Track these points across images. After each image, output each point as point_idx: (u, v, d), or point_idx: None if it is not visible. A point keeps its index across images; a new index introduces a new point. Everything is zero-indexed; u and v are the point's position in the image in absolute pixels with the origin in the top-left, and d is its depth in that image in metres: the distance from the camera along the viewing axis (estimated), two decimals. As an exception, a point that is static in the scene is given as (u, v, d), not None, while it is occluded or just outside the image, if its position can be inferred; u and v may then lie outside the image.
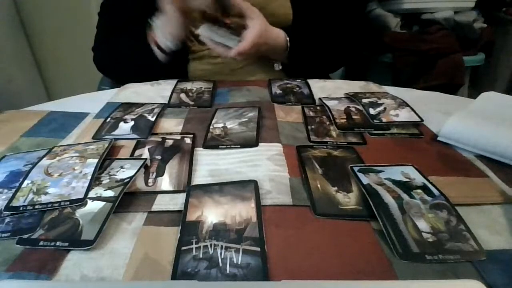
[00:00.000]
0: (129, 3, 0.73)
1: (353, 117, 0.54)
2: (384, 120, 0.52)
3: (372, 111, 0.54)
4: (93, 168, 0.39)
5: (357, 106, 0.57)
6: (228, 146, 0.47)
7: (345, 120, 0.53)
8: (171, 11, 0.61)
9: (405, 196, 0.35)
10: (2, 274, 0.28)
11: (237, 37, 0.62)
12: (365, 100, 0.57)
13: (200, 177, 0.41)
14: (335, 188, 0.38)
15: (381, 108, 0.55)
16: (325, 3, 0.76)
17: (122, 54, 0.75)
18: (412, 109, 0.54)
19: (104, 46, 0.79)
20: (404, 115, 0.53)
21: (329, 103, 0.58)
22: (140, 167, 0.41)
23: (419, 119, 0.52)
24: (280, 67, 0.75)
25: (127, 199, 0.36)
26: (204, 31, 0.62)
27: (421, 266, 0.29)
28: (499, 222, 0.34)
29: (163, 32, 0.65)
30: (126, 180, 0.38)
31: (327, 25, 0.76)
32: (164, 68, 0.70)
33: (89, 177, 0.38)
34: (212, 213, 0.34)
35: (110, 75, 0.88)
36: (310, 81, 0.69)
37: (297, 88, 0.66)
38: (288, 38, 0.70)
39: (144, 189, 0.38)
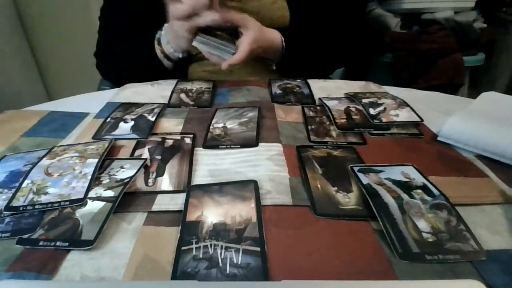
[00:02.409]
0: (128, 8, 0.73)
1: (353, 117, 0.54)
2: (384, 120, 0.52)
3: (372, 111, 0.54)
4: (93, 168, 0.39)
5: (357, 106, 0.57)
6: (228, 146, 0.47)
7: (345, 120, 0.53)
8: (180, 30, 0.61)
9: (405, 196, 0.35)
10: (2, 274, 0.28)
11: (232, 46, 0.62)
12: (365, 100, 0.57)
13: (200, 177, 0.41)
14: (335, 188, 0.38)
15: (381, 108, 0.55)
16: (324, 6, 0.76)
17: (124, 59, 0.75)
18: (412, 109, 0.54)
19: (106, 52, 0.79)
20: (404, 115, 0.53)
21: (329, 103, 0.58)
22: (140, 167, 0.41)
23: (419, 119, 0.52)
24: (274, 68, 0.75)
25: (127, 199, 0.36)
26: (199, 44, 0.62)
27: (421, 266, 0.29)
28: (499, 222, 0.34)
29: (172, 43, 0.66)
30: (126, 180, 0.38)
31: (326, 27, 0.76)
32: (167, 73, 0.70)
33: (89, 177, 0.38)
34: (212, 213, 0.34)
35: (114, 80, 0.88)
36: (310, 81, 0.69)
37: (297, 88, 0.66)
38: (283, 39, 0.70)
39: (144, 189, 0.38)
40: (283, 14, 0.74)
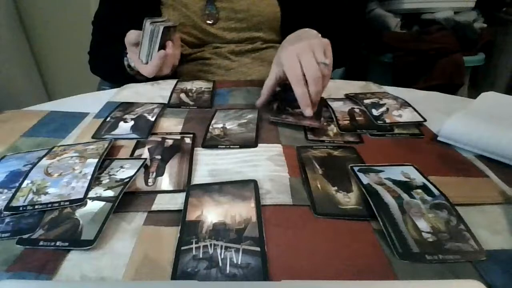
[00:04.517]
0: (118, 20, 0.74)
1: (357, 118, 0.54)
2: (387, 120, 0.52)
3: (375, 112, 0.54)
4: (93, 168, 0.39)
5: (361, 107, 0.57)
6: (227, 146, 0.47)
7: (348, 122, 0.52)
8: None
9: (405, 196, 0.35)
10: (2, 274, 0.28)
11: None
12: (366, 101, 0.57)
13: (200, 177, 0.40)
14: (335, 188, 0.38)
15: (383, 109, 0.55)
16: (318, 3, 0.75)
17: (108, 65, 0.77)
18: (415, 109, 0.54)
19: (95, 54, 0.82)
20: (407, 115, 0.53)
21: (334, 104, 0.58)
22: (140, 167, 0.40)
23: (422, 119, 0.52)
24: None
25: (127, 199, 0.36)
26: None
27: (421, 266, 0.29)
28: (499, 222, 0.34)
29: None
30: (126, 180, 0.38)
31: (324, 25, 0.75)
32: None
33: (89, 177, 0.38)
34: (212, 213, 0.34)
35: (102, 78, 0.90)
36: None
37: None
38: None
39: (144, 189, 0.38)
40: (273, 10, 0.73)
